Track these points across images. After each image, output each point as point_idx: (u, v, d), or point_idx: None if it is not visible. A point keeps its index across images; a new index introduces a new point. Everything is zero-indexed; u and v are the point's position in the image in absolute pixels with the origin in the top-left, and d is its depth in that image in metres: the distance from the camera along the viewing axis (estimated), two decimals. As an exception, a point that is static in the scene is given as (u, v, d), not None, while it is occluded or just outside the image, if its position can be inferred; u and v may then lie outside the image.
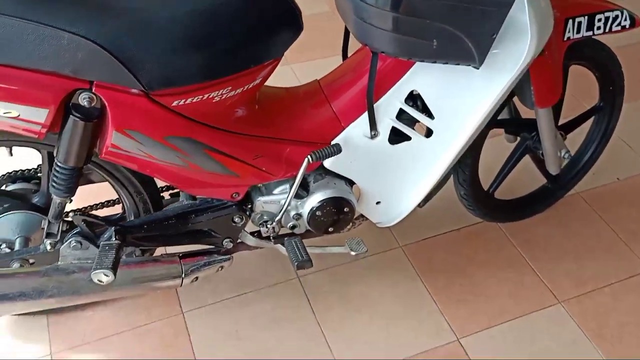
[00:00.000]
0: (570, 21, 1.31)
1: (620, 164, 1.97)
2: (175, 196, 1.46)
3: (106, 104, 1.03)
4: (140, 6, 0.99)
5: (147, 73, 1.00)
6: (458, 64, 1.16)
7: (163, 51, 1.00)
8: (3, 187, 1.32)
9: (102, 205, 1.44)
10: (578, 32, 1.34)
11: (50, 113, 1.00)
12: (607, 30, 1.37)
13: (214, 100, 1.10)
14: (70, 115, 1.03)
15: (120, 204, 1.38)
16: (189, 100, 1.08)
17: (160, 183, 1.34)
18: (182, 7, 1.01)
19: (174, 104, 1.07)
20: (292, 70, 2.25)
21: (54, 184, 1.13)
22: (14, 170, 1.33)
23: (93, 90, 1.01)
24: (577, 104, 1.69)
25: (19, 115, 0.99)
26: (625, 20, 1.40)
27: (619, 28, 1.39)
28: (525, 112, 1.54)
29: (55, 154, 1.10)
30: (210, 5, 1.02)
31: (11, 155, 1.22)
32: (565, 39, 1.33)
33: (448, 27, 1.09)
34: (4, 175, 1.33)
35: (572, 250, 1.71)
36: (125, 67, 0.98)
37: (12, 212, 1.26)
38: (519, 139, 1.64)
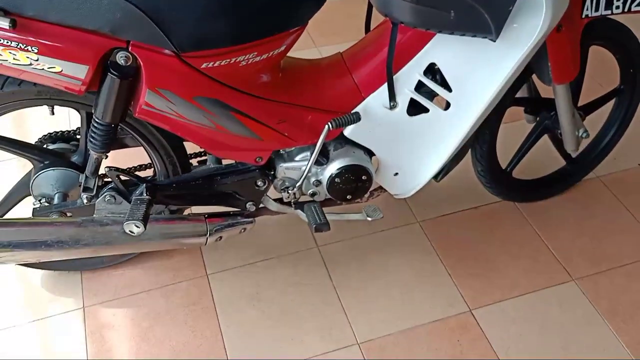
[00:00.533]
0: (589, -1, 1.34)
1: (642, 150, 1.97)
2: (202, 163, 1.54)
3: (141, 63, 1.11)
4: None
5: (179, 35, 1.08)
6: (475, 36, 1.20)
7: (194, 15, 1.07)
8: (45, 146, 1.42)
9: (135, 169, 1.52)
10: (597, 10, 1.36)
11: (90, 70, 1.09)
12: (626, 9, 1.39)
13: (240, 65, 1.17)
14: (108, 73, 1.11)
15: (152, 168, 1.47)
16: (217, 63, 1.15)
17: (189, 150, 1.43)
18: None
19: (203, 66, 1.15)
20: (320, 53, 2.32)
21: (91, 139, 1.22)
22: (54, 131, 1.43)
23: (129, 50, 1.09)
24: (600, 88, 1.71)
25: (61, 71, 1.08)
26: (646, 0, 1.41)
27: (639, 8, 1.41)
28: (545, 92, 1.57)
29: (93, 111, 1.18)
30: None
31: (52, 114, 1.31)
32: (583, 16, 1.35)
33: (465, -2, 1.13)
34: (45, 135, 1.43)
35: (588, 232, 1.73)
36: (159, 28, 1.06)
37: (51, 168, 1.36)
38: (538, 119, 1.67)
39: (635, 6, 1.40)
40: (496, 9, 1.15)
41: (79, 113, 1.32)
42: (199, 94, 1.18)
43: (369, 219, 1.43)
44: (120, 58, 1.09)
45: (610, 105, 1.72)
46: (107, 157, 1.28)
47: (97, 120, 1.18)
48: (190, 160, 1.48)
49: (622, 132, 1.74)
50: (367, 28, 1.43)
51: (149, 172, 1.49)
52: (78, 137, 1.43)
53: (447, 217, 1.77)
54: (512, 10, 1.15)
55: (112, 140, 1.23)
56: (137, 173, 1.51)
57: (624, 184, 1.87)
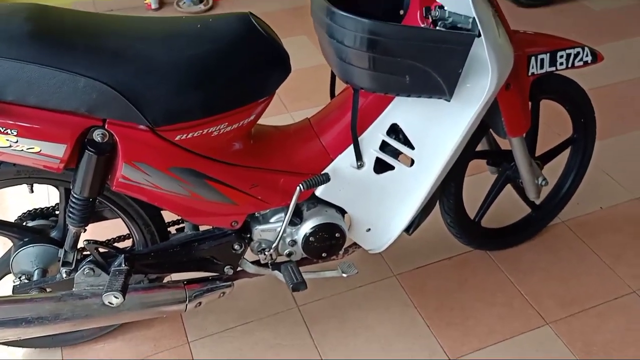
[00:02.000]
0: (533, 58, 1.45)
1: (603, 194, 2.07)
2: (181, 230, 1.58)
3: (117, 139, 1.16)
4: (147, 52, 1.14)
5: (153, 111, 1.14)
6: (431, 97, 1.29)
7: (167, 91, 1.14)
8: (24, 224, 1.44)
9: (114, 240, 1.55)
10: (541, 67, 1.48)
11: (68, 148, 1.14)
12: (569, 65, 1.51)
13: (212, 135, 1.24)
14: (86, 151, 1.16)
15: (131, 239, 1.50)
16: (190, 135, 1.21)
17: (167, 218, 1.47)
18: (184, 52, 1.16)
19: (177, 138, 1.21)
20: (292, 117, 2.41)
21: (70, 214, 1.25)
22: (34, 208, 1.46)
23: (106, 127, 1.15)
24: (557, 137, 1.81)
25: (40, 151, 1.13)
26: (587, 56, 1.53)
27: (581, 63, 1.53)
28: (505, 144, 1.66)
29: (71, 187, 1.23)
30: (208, 50, 1.17)
31: (32, 192, 1.35)
32: (529, 74, 1.46)
33: (418, 64, 1.22)
34: (24, 213, 1.46)
35: (558, 275, 1.79)
36: (134, 105, 1.12)
37: (31, 245, 1.38)
38: (500, 170, 1.75)
39: (578, 62, 1.52)
40: (447, 73, 1.24)
41: (57, 189, 1.36)
42: (173, 165, 1.23)
43: (344, 275, 1.47)
44: (97, 136, 1.15)
45: (567, 153, 1.82)
46: (85, 230, 1.31)
47: (75, 195, 1.22)
48: (169, 228, 1.52)
49: (580, 177, 1.83)
50: (332, 94, 1.52)
51: (128, 243, 1.52)
52: (57, 212, 1.46)
53: (422, 269, 1.81)
54: (461, 73, 1.25)
55: (91, 214, 1.27)
56: (116, 244, 1.54)
57: (588, 226, 1.95)
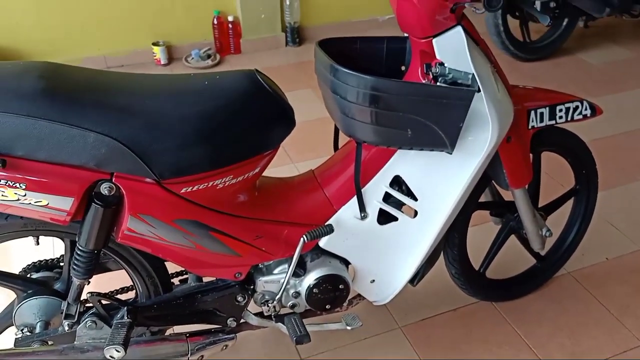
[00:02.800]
0: (533, 112, 1.48)
1: (608, 244, 2.06)
2: (184, 282, 1.57)
3: (124, 192, 1.18)
4: (155, 108, 1.17)
5: (160, 165, 1.17)
6: (432, 150, 1.31)
7: (174, 146, 1.16)
8: (28, 275, 1.45)
9: (117, 292, 1.55)
10: (541, 121, 1.50)
11: (75, 201, 1.15)
12: (569, 119, 1.54)
13: (217, 187, 1.26)
14: (93, 203, 1.18)
15: (134, 290, 1.50)
16: (195, 188, 1.23)
17: (171, 269, 1.47)
18: (192, 108, 1.19)
19: (183, 190, 1.22)
20: (297, 169, 2.44)
21: (74, 266, 1.26)
22: (38, 260, 1.47)
23: (113, 181, 1.17)
24: (561, 188, 1.82)
25: (48, 204, 1.14)
26: (586, 109, 1.56)
27: (580, 117, 1.56)
28: (508, 195, 1.67)
29: (77, 239, 1.24)
30: (215, 106, 1.21)
31: (37, 244, 1.36)
32: (530, 127, 1.49)
33: (419, 118, 1.25)
34: (29, 264, 1.46)
35: (565, 326, 1.77)
36: (142, 160, 1.14)
37: (34, 297, 1.38)
38: (504, 221, 1.76)
39: (577, 115, 1.55)
40: (448, 127, 1.27)
41: (63, 241, 1.37)
42: (179, 217, 1.24)
43: (349, 327, 1.46)
44: (104, 189, 1.17)
45: (570, 204, 1.83)
46: (89, 282, 1.31)
47: (80, 247, 1.23)
48: (172, 280, 1.52)
49: (584, 228, 1.83)
50: (335, 147, 1.55)
51: (131, 294, 1.52)
52: (61, 264, 1.47)
53: (427, 321, 1.79)
54: (462, 127, 1.27)
55: (95, 266, 1.27)
56: (119, 296, 1.54)
57: (594, 277, 1.93)
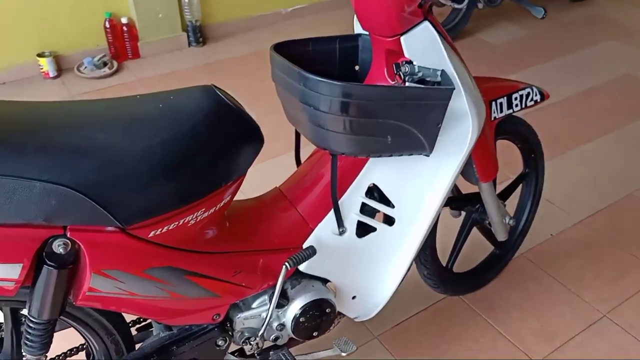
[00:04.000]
0: (494, 103, 1.46)
1: (549, 221, 2.13)
2: (142, 330, 1.39)
3: (82, 246, 0.99)
4: (110, 144, 0.98)
5: (124, 209, 0.98)
6: (411, 154, 1.24)
7: (138, 185, 0.99)
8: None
9: (65, 355, 1.33)
10: (501, 111, 1.49)
11: (25, 267, 0.94)
12: (523, 106, 1.54)
13: (189, 225, 1.09)
14: (44, 265, 0.97)
15: (85, 351, 1.30)
16: (165, 229, 1.06)
17: (127, 317, 1.28)
18: (151, 138, 1.01)
19: (151, 234, 1.05)
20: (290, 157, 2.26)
21: (27, 342, 1.04)
22: (-35, 335, 1.21)
23: (68, 235, 0.97)
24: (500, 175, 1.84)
25: (-11, 275, 0.93)
26: (536, 95, 1.57)
27: (532, 103, 1.56)
28: (464, 188, 1.65)
29: (27, 310, 1.02)
30: (178, 132, 1.04)
31: (-32, 318, 1.12)
32: (492, 119, 1.47)
33: (399, 122, 1.17)
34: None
35: (531, 308, 1.79)
36: (101, 206, 0.95)
37: (-31, 382, 1.14)
38: (463, 213, 1.74)
39: (530, 102, 1.55)
40: (427, 128, 1.20)
41: (1, 311, 1.14)
42: (149, 266, 1.07)
43: (344, 354, 1.36)
44: (58, 247, 0.96)
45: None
46: (46, 357, 1.10)
47: (33, 319, 1.02)
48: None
49: (535, 210, 1.86)
50: (298, 160, 1.43)
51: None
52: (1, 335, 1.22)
53: (400, 326, 1.74)
54: (440, 127, 1.21)
55: (52, 338, 1.07)
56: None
57: (545, 255, 1.99)
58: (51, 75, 3.02)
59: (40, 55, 2.99)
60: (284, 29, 3.66)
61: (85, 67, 3.07)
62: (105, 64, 3.09)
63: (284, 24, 3.73)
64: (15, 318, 1.12)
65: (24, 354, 1.07)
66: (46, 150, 0.93)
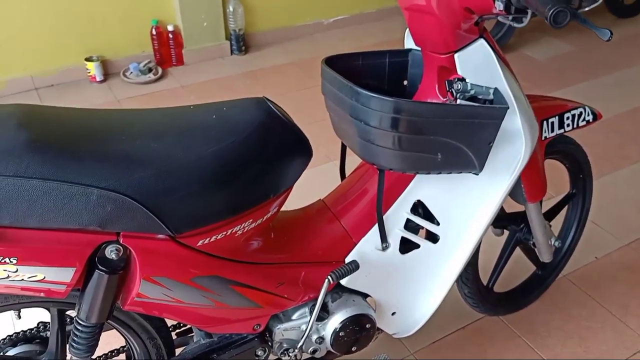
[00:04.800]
0: (545, 122, 1.43)
1: (594, 243, 2.07)
2: (182, 335, 1.40)
3: (133, 253, 1.00)
4: (164, 153, 1.00)
5: (175, 217, 1.00)
6: (460, 172, 1.22)
7: (190, 195, 1.00)
8: (3, 353, 1.22)
9: (106, 356, 1.35)
10: (552, 131, 1.46)
11: (77, 271, 0.96)
12: (575, 126, 1.50)
13: (236, 235, 1.10)
14: (96, 270, 0.99)
15: (125, 354, 1.31)
16: (213, 238, 1.07)
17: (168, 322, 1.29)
18: (205, 149, 1.02)
19: (199, 243, 1.06)
20: (335, 165, 2.27)
21: (74, 344, 1.06)
22: (14, 333, 1.24)
23: (120, 241, 0.99)
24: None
25: (44, 278, 0.95)
26: (588, 115, 1.54)
27: (584, 123, 1.53)
28: (510, 207, 1.62)
29: (76, 312, 1.04)
30: (231, 144, 1.05)
31: (19, 318, 1.14)
32: (543, 138, 1.44)
33: (450, 140, 1.16)
34: (3, 339, 1.23)
35: (573, 333, 1.75)
36: (155, 215, 0.97)
37: (18, 380, 1.16)
38: (506, 232, 1.71)
39: (581, 122, 1.52)
40: (478, 146, 1.18)
41: (49, 311, 1.16)
42: (197, 274, 1.08)
43: (384, 371, 1.35)
44: (110, 252, 0.98)
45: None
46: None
47: (82, 322, 1.04)
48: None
49: (581, 231, 1.81)
50: (342, 173, 1.43)
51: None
52: (42, 334, 1.25)
53: (438, 343, 1.71)
54: (492, 146, 1.19)
55: (98, 341, 1.08)
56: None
57: (589, 279, 1.93)
58: (98, 79, 3.10)
59: (88, 59, 3.07)
60: (324, 40, 3.68)
61: (131, 72, 3.14)
62: (150, 70, 3.15)
63: (325, 34, 3.74)
64: (62, 319, 1.15)
65: (68, 355, 1.08)
66: (104, 158, 0.95)
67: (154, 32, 3.16)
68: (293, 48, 3.56)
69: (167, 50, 3.23)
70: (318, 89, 2.88)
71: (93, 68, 3.06)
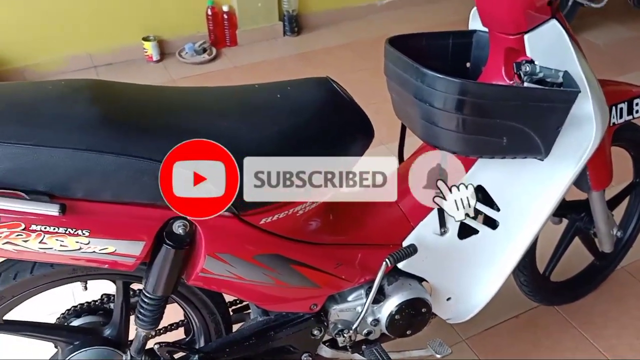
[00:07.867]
0: (614, 108, 1.38)
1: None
2: (238, 312, 1.43)
3: (200, 229, 1.02)
4: (231, 130, 1.00)
5: (239, 195, 1.01)
6: (525, 157, 1.19)
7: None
8: (67, 324, 1.26)
9: (166, 329, 1.39)
10: (621, 117, 1.40)
11: (146, 245, 0.99)
12: (645, 112, 1.44)
13: (297, 214, 1.11)
14: (164, 245, 1.01)
15: (183, 327, 1.35)
16: (275, 217, 1.08)
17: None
18: (270, 128, 1.03)
19: (262, 222, 1.07)
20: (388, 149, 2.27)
21: (140, 315, 1.10)
22: (79, 304, 1.29)
23: (188, 217, 1.01)
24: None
25: (115, 251, 0.98)
26: (659, 101, 1.47)
27: (654, 109, 1.46)
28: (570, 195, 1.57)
29: (143, 285, 1.07)
30: (295, 123, 1.05)
31: (86, 289, 1.19)
32: (611, 124, 1.38)
33: (517, 124, 1.13)
34: (68, 310, 1.28)
35: (629, 325, 1.70)
36: (221, 190, 0.98)
37: (83, 349, 1.20)
38: (565, 220, 1.66)
39: (652, 108, 1.45)
40: (546, 131, 1.15)
41: (114, 284, 1.20)
42: (259, 252, 1.09)
43: (438, 356, 1.34)
44: (178, 228, 1.00)
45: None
46: (155, 332, 1.15)
47: (148, 294, 1.07)
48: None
49: (642, 222, 1.75)
50: (401, 156, 1.41)
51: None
52: (105, 306, 1.29)
53: (490, 331, 1.69)
54: (560, 130, 1.16)
55: (162, 314, 1.11)
56: (168, 334, 1.38)
57: (648, 271, 1.87)
58: (154, 58, 3.15)
59: (145, 39, 3.12)
60: (377, 21, 3.63)
61: (187, 53, 3.18)
62: (204, 50, 3.19)
63: (378, 15, 3.70)
64: (127, 291, 1.18)
65: (133, 326, 1.12)
66: (174, 134, 0.96)
67: (209, 12, 3.19)
68: (346, 30, 3.53)
69: (221, 30, 3.26)
70: (371, 71, 2.87)
71: (150, 48, 3.11)
